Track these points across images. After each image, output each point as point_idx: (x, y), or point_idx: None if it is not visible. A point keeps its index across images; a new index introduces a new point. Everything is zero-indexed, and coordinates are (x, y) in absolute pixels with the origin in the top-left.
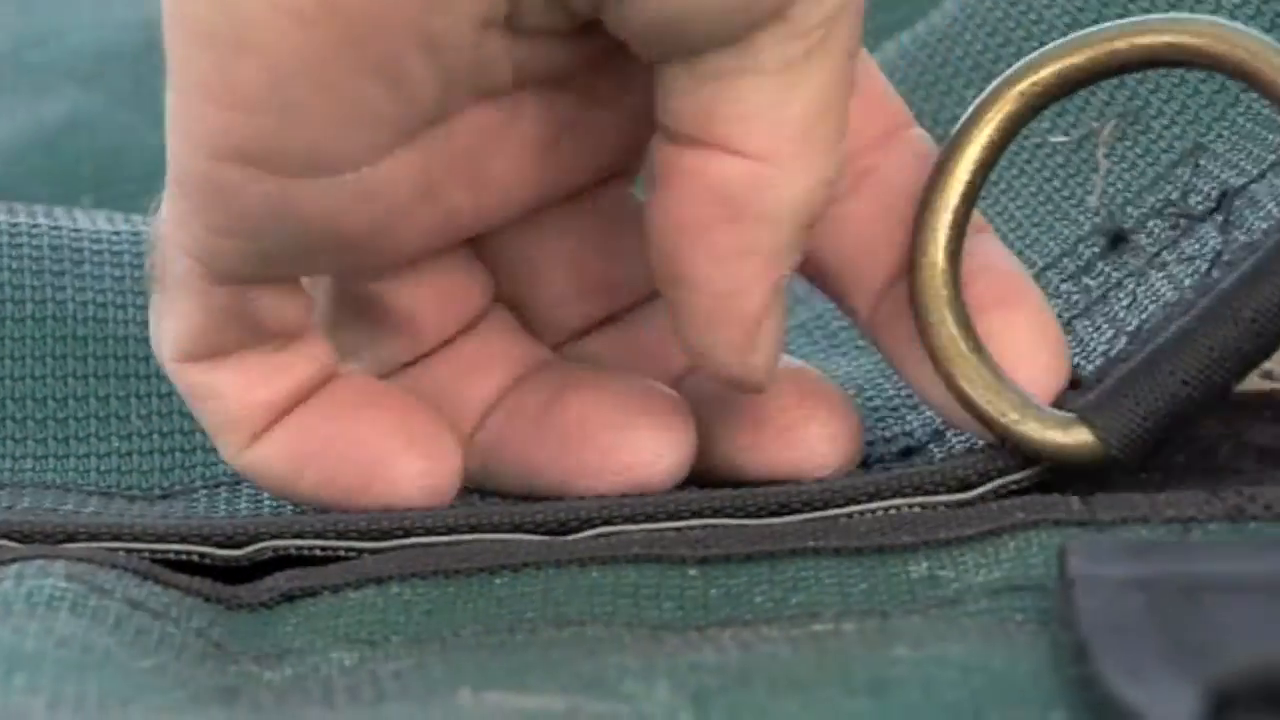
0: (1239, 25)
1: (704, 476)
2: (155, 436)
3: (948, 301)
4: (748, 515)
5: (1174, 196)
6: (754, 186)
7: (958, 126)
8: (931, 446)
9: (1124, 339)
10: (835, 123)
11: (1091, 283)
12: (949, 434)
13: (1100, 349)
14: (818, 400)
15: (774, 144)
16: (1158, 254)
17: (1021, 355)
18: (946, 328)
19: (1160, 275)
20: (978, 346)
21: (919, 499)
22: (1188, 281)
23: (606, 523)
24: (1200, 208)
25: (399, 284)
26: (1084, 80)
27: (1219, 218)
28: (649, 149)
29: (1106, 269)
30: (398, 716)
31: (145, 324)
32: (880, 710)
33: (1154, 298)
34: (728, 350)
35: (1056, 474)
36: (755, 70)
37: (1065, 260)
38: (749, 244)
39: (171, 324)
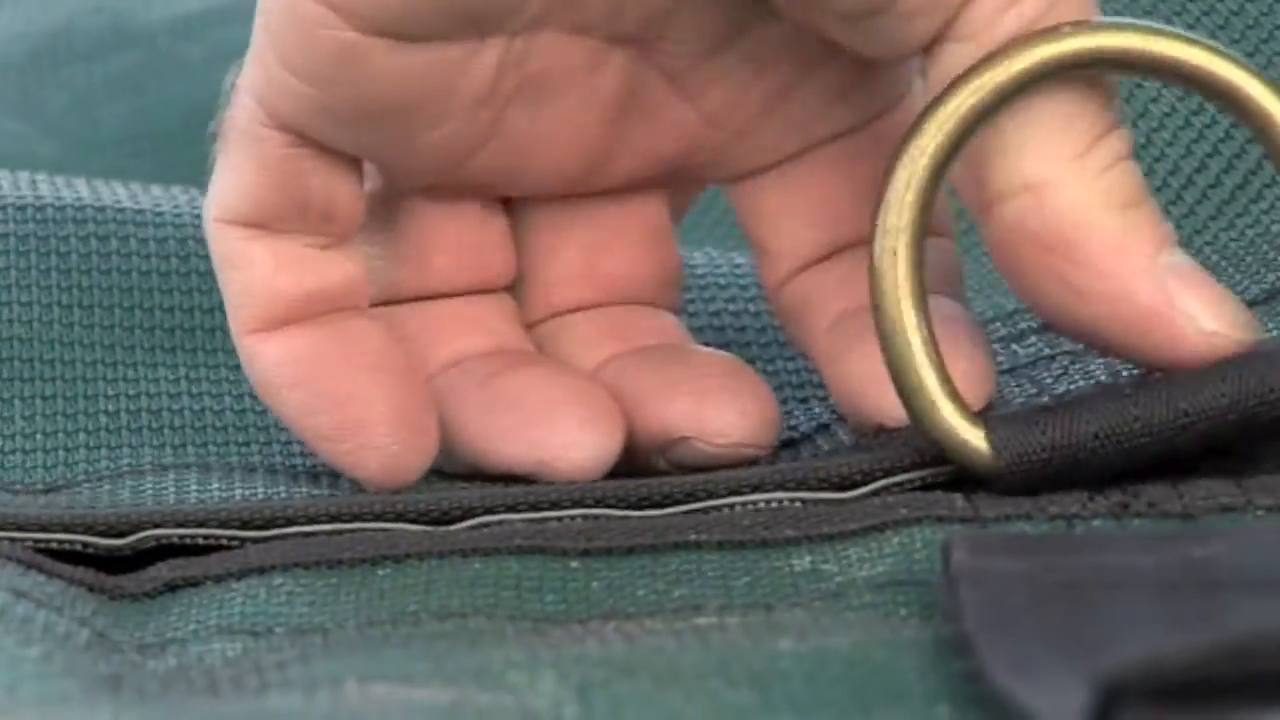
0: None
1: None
2: (39, 435)
3: (909, 267)
4: (630, 506)
5: None
6: (1045, 213)
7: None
8: (817, 438)
9: (1047, 398)
10: (1090, 118)
11: (1020, 350)
12: (834, 426)
13: (1018, 402)
14: (740, 378)
15: (1039, 169)
16: None
17: (960, 352)
18: (898, 294)
19: (1098, 362)
20: (928, 321)
21: (801, 494)
22: (1125, 373)
23: (489, 512)
24: None
25: (431, 214)
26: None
27: None
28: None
29: (1039, 343)
30: (283, 707)
31: (30, 322)
32: (764, 703)
33: (1086, 376)
34: (1147, 349)
35: (941, 480)
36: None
37: (996, 324)
38: (1078, 261)
39: (224, 180)
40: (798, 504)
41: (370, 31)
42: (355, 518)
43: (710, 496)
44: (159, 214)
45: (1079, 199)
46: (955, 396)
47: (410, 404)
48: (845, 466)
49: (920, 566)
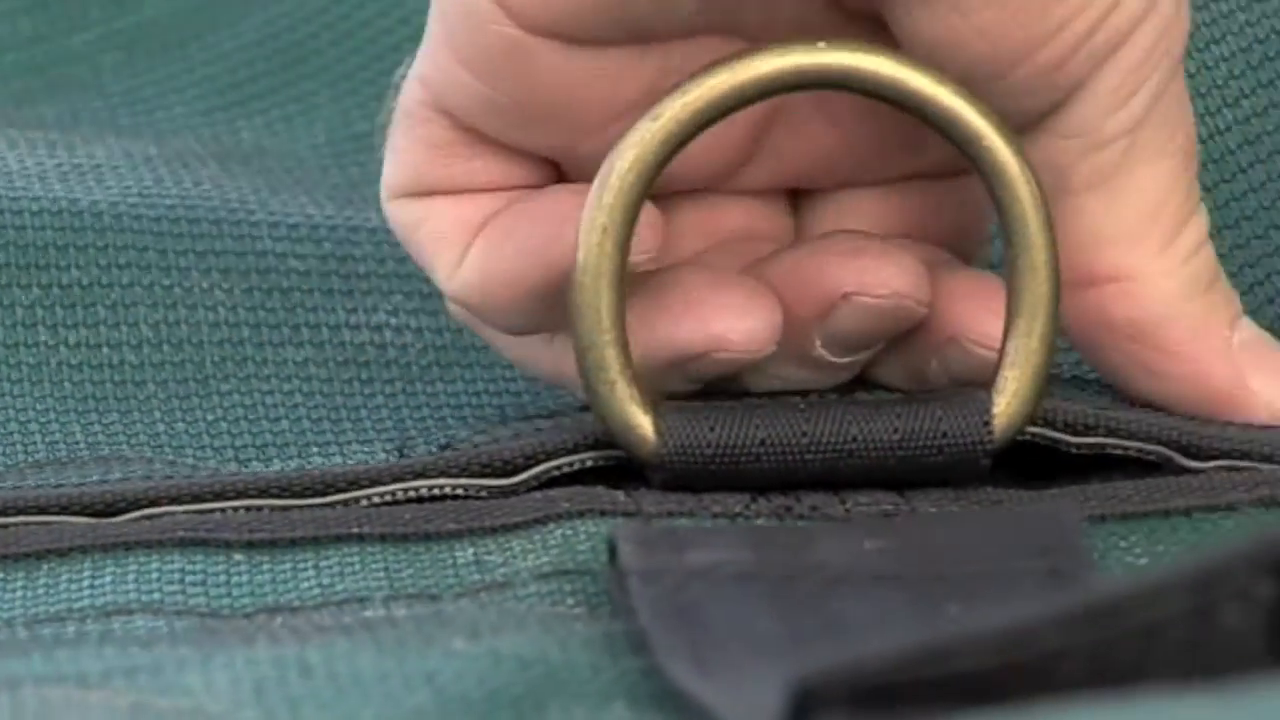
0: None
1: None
2: None
3: (614, 247)
4: (294, 495)
5: None
6: (1131, 305)
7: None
8: (476, 438)
9: None
10: (1177, 206)
11: None
12: (494, 430)
13: None
14: (887, 241)
15: (1127, 260)
16: None
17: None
18: (599, 270)
19: None
20: (622, 302)
21: (464, 480)
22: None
23: (152, 504)
24: None
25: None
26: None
27: None
28: None
29: None
30: None
31: None
32: (440, 706)
33: None
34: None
35: (603, 465)
36: (1068, 191)
37: None
38: (1160, 348)
39: (392, 163)
40: (460, 491)
41: (535, 31)
42: (19, 511)
43: (374, 484)
44: None
45: (1166, 290)
46: (635, 381)
47: None
48: (507, 451)
49: (585, 557)
